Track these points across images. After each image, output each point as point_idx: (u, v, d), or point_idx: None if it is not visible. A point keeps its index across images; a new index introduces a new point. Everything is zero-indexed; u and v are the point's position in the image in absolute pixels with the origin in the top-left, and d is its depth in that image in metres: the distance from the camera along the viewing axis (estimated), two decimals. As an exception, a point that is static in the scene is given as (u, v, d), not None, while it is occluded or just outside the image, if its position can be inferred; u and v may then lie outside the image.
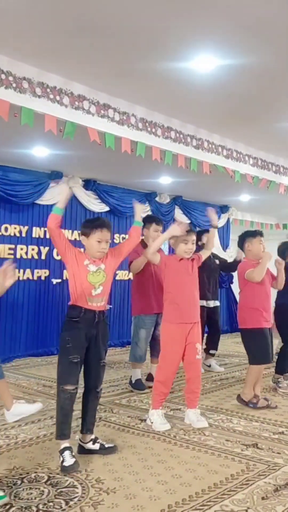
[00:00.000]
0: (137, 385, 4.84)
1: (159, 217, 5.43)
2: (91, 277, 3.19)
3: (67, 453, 3.03)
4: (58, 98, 3.88)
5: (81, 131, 4.11)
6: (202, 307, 5.78)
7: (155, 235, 4.87)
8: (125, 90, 4.19)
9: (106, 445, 3.27)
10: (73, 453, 3.06)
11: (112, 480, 2.88)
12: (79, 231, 7.08)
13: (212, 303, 5.86)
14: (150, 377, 5.07)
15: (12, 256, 6.19)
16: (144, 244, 4.94)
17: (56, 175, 6.61)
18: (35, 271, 6.66)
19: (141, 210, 3.70)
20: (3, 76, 3.51)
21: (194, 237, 3.93)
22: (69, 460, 3.00)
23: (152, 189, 7.86)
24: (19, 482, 2.85)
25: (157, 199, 8.12)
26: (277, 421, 4.00)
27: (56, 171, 6.59)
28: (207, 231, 5.97)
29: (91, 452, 3.24)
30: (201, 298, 5.69)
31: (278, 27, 3.05)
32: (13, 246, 6.38)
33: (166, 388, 3.86)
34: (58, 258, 6.73)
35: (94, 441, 3.28)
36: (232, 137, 5.70)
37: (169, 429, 3.71)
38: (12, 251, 6.34)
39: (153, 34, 3.18)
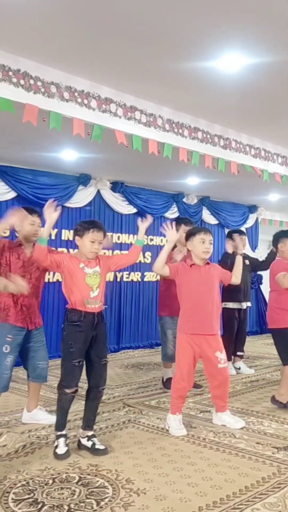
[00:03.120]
0: (168, 384, 4.84)
1: (189, 218, 5.41)
2: (88, 279, 3.30)
3: (61, 440, 3.24)
4: (85, 101, 3.92)
5: (109, 134, 4.14)
6: (235, 309, 5.77)
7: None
8: (151, 92, 4.20)
9: (96, 446, 3.31)
10: (67, 442, 3.26)
11: (143, 481, 2.89)
12: (106, 233, 7.18)
13: (245, 305, 5.83)
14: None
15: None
16: (173, 246, 4.93)
17: (84, 178, 6.68)
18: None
19: (145, 228, 3.65)
20: (31, 81, 3.57)
21: (211, 237, 3.82)
22: (62, 448, 3.21)
23: (179, 190, 7.85)
24: (50, 481, 2.88)
25: (184, 200, 8.10)
26: (309, 424, 3.93)
27: (84, 174, 6.65)
28: (237, 231, 5.94)
29: (84, 448, 3.34)
30: (235, 300, 5.69)
31: (306, 23, 3.00)
32: (43, 248, 6.47)
33: (183, 392, 3.77)
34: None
35: (89, 438, 3.35)
36: (260, 136, 5.64)
37: (185, 434, 3.63)
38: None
39: (179, 34, 3.17)
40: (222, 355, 3.75)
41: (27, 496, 2.69)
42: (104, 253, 3.58)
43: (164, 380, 4.95)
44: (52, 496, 2.69)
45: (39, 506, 2.58)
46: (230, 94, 4.17)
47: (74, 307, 3.28)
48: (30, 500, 2.65)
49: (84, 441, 3.36)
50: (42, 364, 3.78)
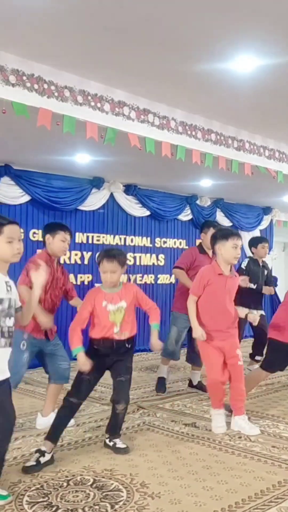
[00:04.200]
0: (159, 384, 4.90)
1: (217, 222, 5.40)
2: (112, 316, 3.32)
3: (36, 455, 3.11)
4: (99, 105, 3.93)
5: (122, 137, 4.15)
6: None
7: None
8: (164, 94, 4.20)
9: (117, 445, 3.36)
10: (42, 459, 3.08)
11: (157, 484, 2.87)
12: (120, 236, 7.21)
13: (255, 312, 5.76)
14: (190, 383, 5.05)
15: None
16: (201, 249, 4.91)
17: (97, 181, 6.70)
18: (79, 276, 6.75)
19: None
20: (45, 86, 3.59)
21: (241, 242, 3.81)
22: (31, 462, 3.08)
23: (192, 192, 7.83)
24: (65, 484, 2.89)
25: (198, 202, 8.08)
26: None
27: (98, 177, 6.67)
28: (261, 240, 5.92)
29: (108, 447, 3.40)
30: (244, 305, 5.65)
31: None
32: (57, 252, 6.50)
33: (220, 387, 3.78)
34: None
35: (111, 439, 3.42)
36: (274, 138, 5.60)
37: (223, 432, 3.68)
38: (55, 257, 6.46)
39: (192, 37, 3.17)
40: (240, 352, 3.82)
41: (41, 499, 2.69)
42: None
43: (157, 379, 4.95)
44: (66, 500, 2.69)
45: (54, 509, 2.59)
46: (244, 96, 4.15)
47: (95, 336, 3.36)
48: (45, 503, 2.65)
49: (107, 441, 3.45)
50: (63, 364, 3.78)
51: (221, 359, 3.76)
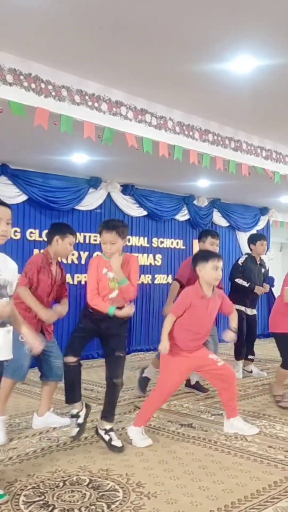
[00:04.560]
0: (144, 385, 4.88)
1: (215, 231, 5.38)
2: (112, 283, 3.43)
3: (73, 421, 3.39)
4: (96, 104, 3.93)
5: (119, 137, 4.14)
6: (241, 314, 5.74)
7: (210, 248, 4.79)
8: (162, 95, 4.20)
9: (113, 442, 3.36)
10: (80, 420, 3.42)
11: (153, 484, 2.88)
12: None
13: (250, 311, 5.78)
14: (187, 383, 5.03)
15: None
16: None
17: (95, 181, 6.70)
18: (75, 275, 6.74)
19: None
20: (43, 85, 3.58)
21: (221, 263, 3.66)
22: (74, 429, 3.39)
23: (189, 192, 7.83)
24: (61, 484, 2.88)
25: (195, 202, 8.09)
26: None
27: (95, 176, 6.67)
28: (260, 237, 5.96)
29: (101, 439, 3.43)
30: (241, 304, 5.66)
31: None
32: (53, 251, 6.49)
33: (156, 408, 3.77)
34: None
35: (106, 431, 3.40)
36: (272, 138, 5.61)
37: (150, 444, 3.48)
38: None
39: (190, 37, 3.17)
40: (214, 355, 3.80)
41: (37, 499, 2.69)
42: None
43: (142, 375, 4.85)
44: (62, 499, 2.69)
45: (50, 508, 2.59)
46: (242, 96, 4.16)
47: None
48: (41, 502, 2.65)
49: (102, 433, 3.41)
50: (57, 362, 3.77)
51: (180, 375, 3.68)
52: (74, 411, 3.46)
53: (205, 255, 3.68)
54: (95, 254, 3.58)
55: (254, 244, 5.85)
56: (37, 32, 3.11)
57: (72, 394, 3.47)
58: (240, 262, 5.80)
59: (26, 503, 2.65)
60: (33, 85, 3.52)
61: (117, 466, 3.13)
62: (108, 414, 3.46)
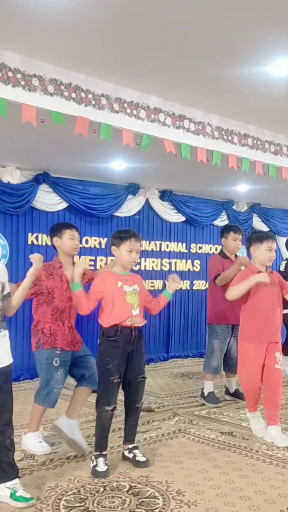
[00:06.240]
0: (210, 399, 4.71)
1: (238, 225, 5.36)
2: (128, 297, 3.24)
3: (101, 459, 3.13)
4: (135, 112, 3.96)
5: (157, 143, 4.16)
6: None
7: (233, 243, 4.80)
8: (200, 100, 4.19)
9: (137, 458, 3.25)
10: (107, 461, 3.14)
11: (193, 492, 2.85)
12: (155, 242, 7.23)
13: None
14: (227, 391, 4.97)
15: (92, 268, 6.36)
16: (222, 254, 4.89)
17: (133, 187, 6.74)
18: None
19: (175, 288, 3.52)
20: (82, 94, 3.65)
21: (276, 244, 3.80)
22: (102, 467, 3.09)
23: (228, 197, 7.76)
24: (101, 489, 2.90)
25: (234, 207, 8.01)
26: None
27: (133, 183, 6.71)
28: None
29: (126, 459, 3.30)
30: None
31: None
32: (93, 257, 6.57)
33: (254, 395, 3.79)
34: (135, 268, 6.82)
35: (130, 450, 3.30)
36: (312, 141, 5.50)
37: (263, 436, 3.66)
38: (92, 263, 6.53)
39: (227, 40, 3.15)
40: (280, 356, 3.74)
41: (78, 504, 2.71)
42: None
43: (206, 394, 4.74)
44: (102, 505, 2.70)
45: (90, 513, 2.60)
46: (280, 99, 4.10)
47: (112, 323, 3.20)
48: (81, 508, 2.67)
49: (126, 453, 3.33)
50: (95, 369, 3.72)
51: (259, 374, 3.70)
52: (104, 452, 3.21)
53: (259, 237, 3.81)
54: (104, 268, 3.32)
55: None
56: (77, 42, 3.18)
57: (105, 439, 3.24)
58: (281, 268, 5.70)
59: (66, 508, 2.67)
60: (73, 95, 3.59)
61: (156, 473, 3.12)
62: (132, 436, 3.36)
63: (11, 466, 2.76)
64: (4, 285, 2.80)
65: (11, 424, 2.75)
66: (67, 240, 3.63)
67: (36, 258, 2.96)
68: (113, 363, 3.17)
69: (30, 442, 3.50)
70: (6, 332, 2.77)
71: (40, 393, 3.51)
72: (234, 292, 3.72)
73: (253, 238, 3.84)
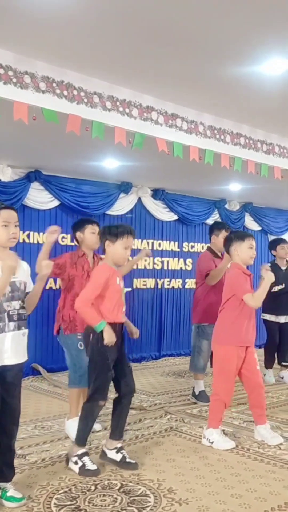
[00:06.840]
0: (201, 397, 4.71)
1: (227, 224, 5.36)
2: (122, 296, 3.28)
3: (86, 458, 3.10)
4: (127, 110, 3.96)
5: (150, 142, 4.15)
6: (273, 322, 5.65)
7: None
8: (192, 99, 4.19)
9: (127, 459, 3.18)
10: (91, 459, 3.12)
11: (185, 491, 2.85)
12: (147, 240, 7.23)
13: (283, 319, 5.67)
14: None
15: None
16: (212, 252, 4.88)
17: (125, 186, 6.73)
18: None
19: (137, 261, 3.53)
20: (75, 92, 3.63)
21: (255, 243, 3.75)
22: (91, 465, 3.07)
23: (221, 196, 7.78)
24: (93, 488, 2.89)
25: (226, 206, 8.03)
26: None
27: (126, 182, 6.70)
28: (280, 240, 5.88)
29: (111, 461, 3.20)
30: (271, 313, 5.58)
31: None
32: (85, 255, 6.55)
33: (228, 403, 3.68)
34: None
35: (119, 450, 3.21)
36: (304, 141, 5.52)
37: (234, 447, 3.53)
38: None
39: (220, 40, 3.15)
40: (257, 357, 3.74)
41: (69, 503, 2.71)
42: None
43: (197, 393, 4.75)
44: (94, 503, 2.70)
45: (82, 512, 2.60)
46: (273, 98, 4.11)
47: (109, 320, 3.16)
48: (73, 506, 2.67)
49: (111, 454, 3.20)
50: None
51: (239, 366, 3.64)
52: (85, 450, 3.17)
53: (240, 235, 3.78)
54: (101, 263, 3.34)
55: (275, 249, 5.79)
56: (69, 40, 3.16)
57: (88, 434, 3.20)
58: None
59: (58, 506, 2.67)
60: (65, 92, 3.58)
61: (148, 471, 3.12)
62: (121, 431, 3.28)
63: (11, 468, 2.76)
64: (26, 284, 2.75)
65: (18, 424, 2.75)
66: (89, 234, 3.84)
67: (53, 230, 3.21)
68: (112, 358, 3.17)
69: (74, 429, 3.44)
70: (27, 331, 2.74)
71: (75, 376, 3.64)
72: (260, 299, 3.56)
73: (234, 237, 3.76)
